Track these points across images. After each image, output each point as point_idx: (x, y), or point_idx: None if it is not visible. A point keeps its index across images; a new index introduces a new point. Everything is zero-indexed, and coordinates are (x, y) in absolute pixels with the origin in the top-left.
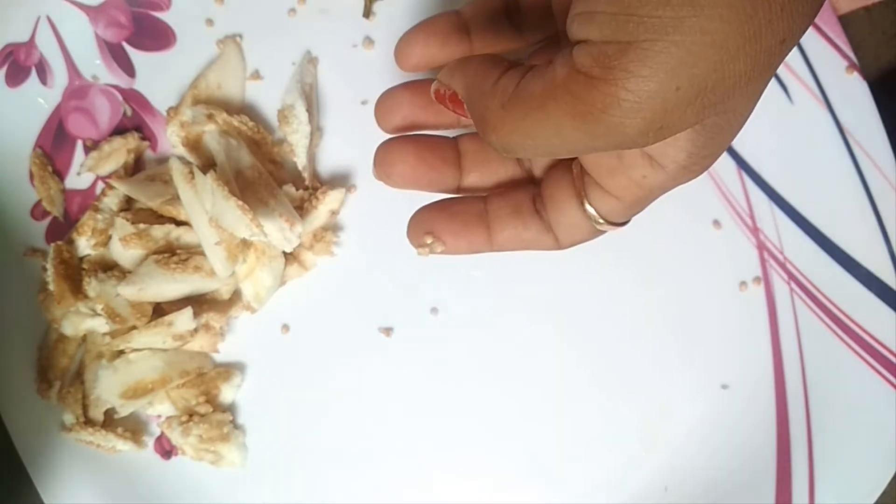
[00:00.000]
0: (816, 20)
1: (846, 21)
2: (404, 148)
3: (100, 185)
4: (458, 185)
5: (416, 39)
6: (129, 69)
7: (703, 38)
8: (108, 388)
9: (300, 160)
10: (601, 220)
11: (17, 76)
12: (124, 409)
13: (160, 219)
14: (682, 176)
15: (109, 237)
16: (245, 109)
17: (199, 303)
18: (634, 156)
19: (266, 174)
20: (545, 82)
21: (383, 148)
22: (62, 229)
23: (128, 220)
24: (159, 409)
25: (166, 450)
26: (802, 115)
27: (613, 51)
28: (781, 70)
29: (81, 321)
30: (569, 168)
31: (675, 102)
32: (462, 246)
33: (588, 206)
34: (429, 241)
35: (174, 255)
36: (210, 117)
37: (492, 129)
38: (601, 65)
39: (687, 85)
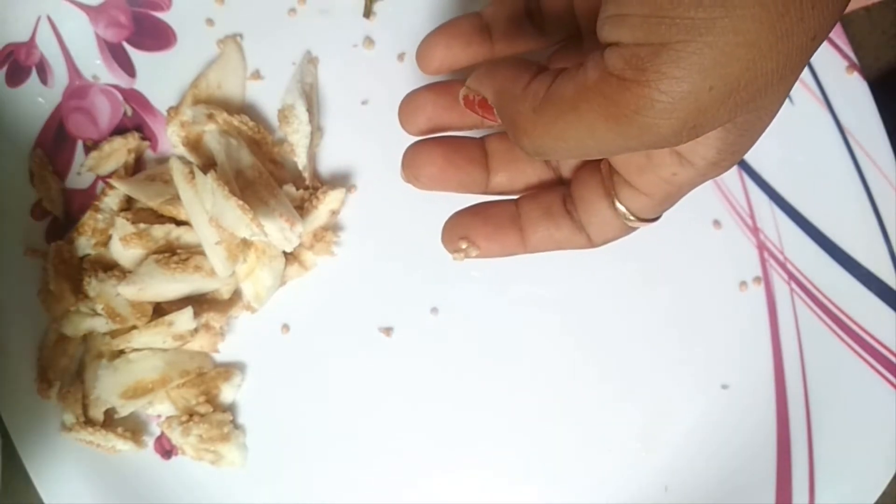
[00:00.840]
0: None
1: (846, 21)
2: (432, 150)
3: (100, 185)
4: (486, 186)
5: (439, 42)
6: (129, 69)
7: (735, 39)
8: (108, 387)
9: (300, 160)
10: (632, 217)
11: (17, 76)
12: (124, 409)
13: (160, 219)
14: (712, 172)
15: (110, 237)
16: (245, 109)
17: (199, 303)
18: (663, 154)
19: (266, 174)
20: (577, 85)
21: (411, 151)
22: (62, 229)
23: (128, 219)
24: (159, 409)
25: (166, 450)
26: (802, 115)
27: (646, 53)
28: None
29: (81, 321)
30: (597, 167)
31: (708, 102)
32: (496, 249)
33: (618, 205)
34: (463, 245)
35: (174, 254)
36: (210, 117)
37: (524, 133)
38: (634, 67)
39: (720, 85)
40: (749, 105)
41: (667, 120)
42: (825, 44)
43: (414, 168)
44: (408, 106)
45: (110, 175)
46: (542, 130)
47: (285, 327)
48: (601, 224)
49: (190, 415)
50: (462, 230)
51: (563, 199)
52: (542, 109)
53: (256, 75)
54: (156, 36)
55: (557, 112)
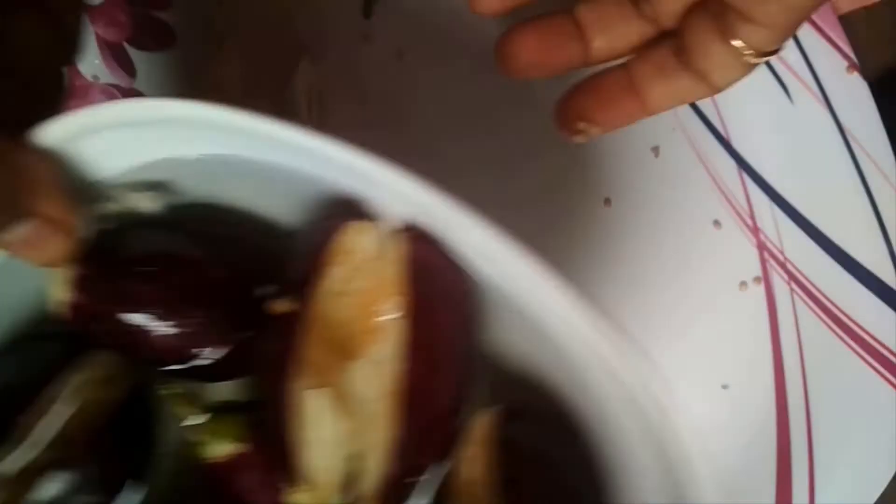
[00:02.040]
0: (816, 20)
1: (846, 21)
2: (522, 36)
3: None
4: (587, 58)
5: None
6: (129, 69)
7: None
8: None
9: None
10: (754, 54)
11: None
12: None
13: None
14: None
15: None
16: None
17: None
18: None
19: None
20: None
21: (501, 43)
22: None
23: None
24: None
25: None
26: (802, 115)
27: None
28: (781, 70)
29: None
30: (706, 8)
31: None
32: (617, 119)
33: (737, 42)
34: (581, 126)
35: None
36: None
37: None
38: None
39: None
40: None
41: None
42: (825, 43)
43: (509, 61)
44: None
45: None
46: None
47: None
48: (721, 67)
49: None
50: (576, 111)
51: (673, 52)
52: None
53: (256, 75)
54: (156, 36)
55: None
